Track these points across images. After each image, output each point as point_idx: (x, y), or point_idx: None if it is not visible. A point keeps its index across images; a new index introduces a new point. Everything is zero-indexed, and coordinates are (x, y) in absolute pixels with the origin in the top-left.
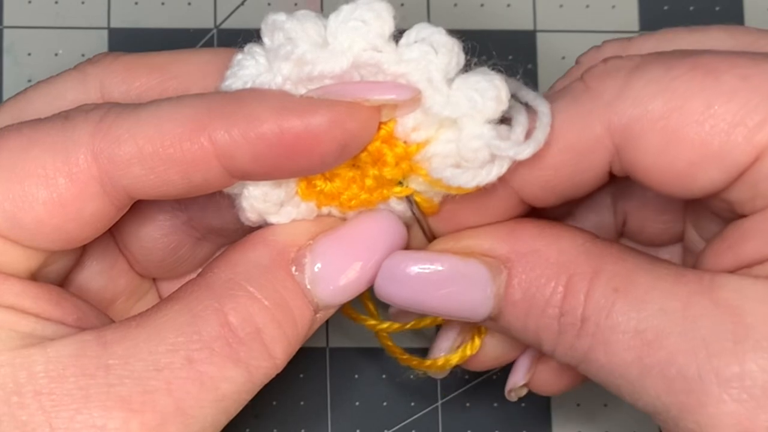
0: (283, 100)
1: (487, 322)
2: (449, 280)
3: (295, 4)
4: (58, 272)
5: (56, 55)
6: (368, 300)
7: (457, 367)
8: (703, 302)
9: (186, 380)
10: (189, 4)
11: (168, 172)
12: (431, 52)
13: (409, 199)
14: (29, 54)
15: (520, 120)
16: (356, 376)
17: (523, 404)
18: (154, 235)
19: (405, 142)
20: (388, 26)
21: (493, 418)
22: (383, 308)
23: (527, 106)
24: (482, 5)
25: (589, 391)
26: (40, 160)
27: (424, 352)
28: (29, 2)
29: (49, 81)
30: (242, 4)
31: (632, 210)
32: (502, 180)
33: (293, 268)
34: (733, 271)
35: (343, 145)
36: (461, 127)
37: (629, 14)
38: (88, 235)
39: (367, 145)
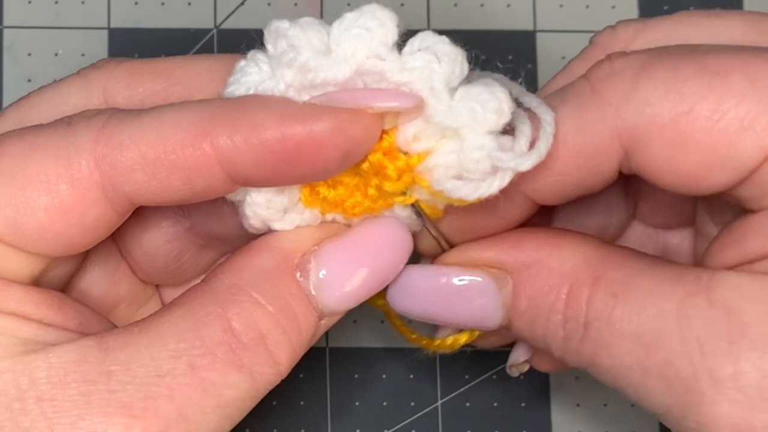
0: (286, 106)
1: (503, 331)
2: (458, 293)
3: (295, 4)
4: (60, 278)
5: (56, 55)
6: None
7: (466, 345)
8: (698, 302)
9: (188, 386)
10: (189, 4)
11: (170, 178)
12: (434, 61)
13: (414, 207)
14: (29, 54)
15: (524, 131)
16: (356, 376)
17: (523, 404)
18: (157, 242)
19: (406, 153)
20: (392, 34)
21: (493, 418)
22: None
23: (531, 113)
24: (482, 5)
25: (589, 391)
26: (42, 165)
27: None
28: (29, 2)
29: (52, 86)
30: (242, 4)
31: (644, 194)
32: (513, 185)
33: (298, 274)
34: (736, 266)
35: (345, 152)
36: (463, 137)
37: (629, 14)
38: (90, 241)
39: (369, 156)
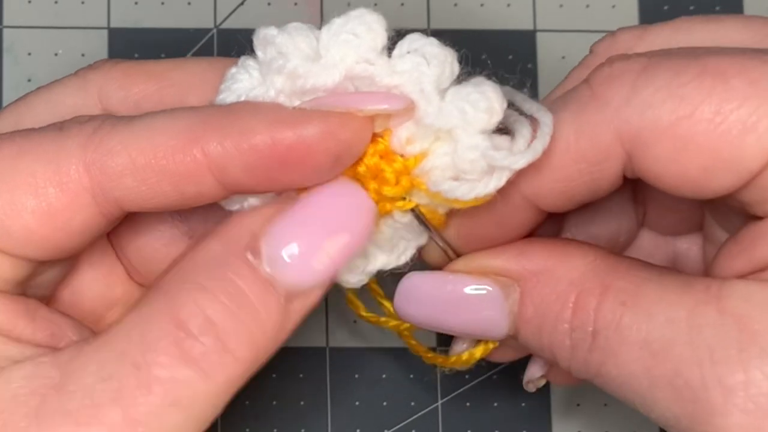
0: (276, 111)
1: (510, 341)
2: (464, 300)
3: (295, 4)
4: (48, 283)
5: (56, 55)
6: (384, 299)
7: (482, 360)
8: (708, 311)
9: (133, 387)
10: (189, 4)
11: (160, 183)
12: (423, 64)
13: (415, 213)
14: (29, 54)
15: (523, 133)
16: (356, 376)
17: (523, 404)
18: (154, 246)
19: (402, 156)
20: (380, 39)
21: (493, 418)
22: None
23: (532, 119)
24: (482, 5)
25: (589, 391)
26: (31, 169)
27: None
28: (29, 2)
29: (50, 86)
30: (242, 4)
31: (651, 201)
32: (517, 191)
33: (249, 256)
34: (745, 274)
35: (336, 156)
36: (456, 138)
37: (629, 14)
38: (77, 246)
39: (365, 160)
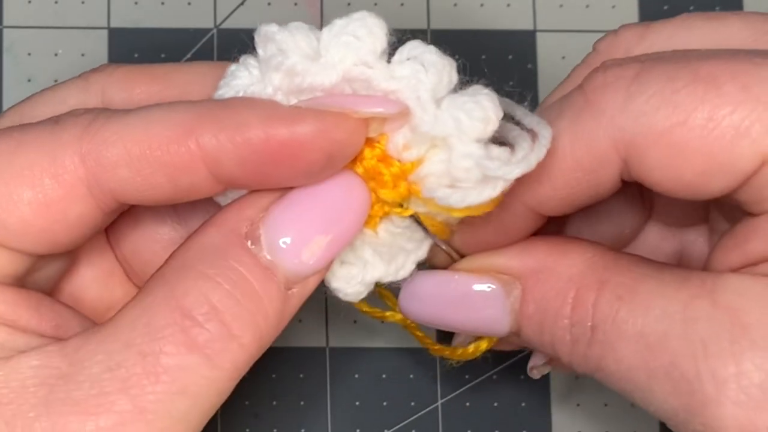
0: (272, 108)
1: (513, 338)
2: (466, 298)
3: (295, 4)
4: (47, 279)
5: (56, 55)
6: (386, 292)
7: (486, 352)
8: (702, 304)
9: (140, 376)
10: (189, 4)
11: (155, 175)
12: (422, 71)
13: (414, 218)
14: (29, 54)
15: (522, 145)
16: (356, 376)
17: (523, 404)
18: (153, 248)
19: (399, 161)
20: (380, 43)
21: (493, 418)
22: None
23: (532, 133)
24: (482, 5)
25: (589, 391)
26: (27, 161)
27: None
28: (29, 2)
29: (53, 88)
30: (242, 4)
31: (658, 194)
32: (518, 199)
33: (249, 243)
34: (740, 269)
35: (328, 155)
36: (451, 146)
37: (629, 14)
38: (75, 239)
39: (363, 162)
